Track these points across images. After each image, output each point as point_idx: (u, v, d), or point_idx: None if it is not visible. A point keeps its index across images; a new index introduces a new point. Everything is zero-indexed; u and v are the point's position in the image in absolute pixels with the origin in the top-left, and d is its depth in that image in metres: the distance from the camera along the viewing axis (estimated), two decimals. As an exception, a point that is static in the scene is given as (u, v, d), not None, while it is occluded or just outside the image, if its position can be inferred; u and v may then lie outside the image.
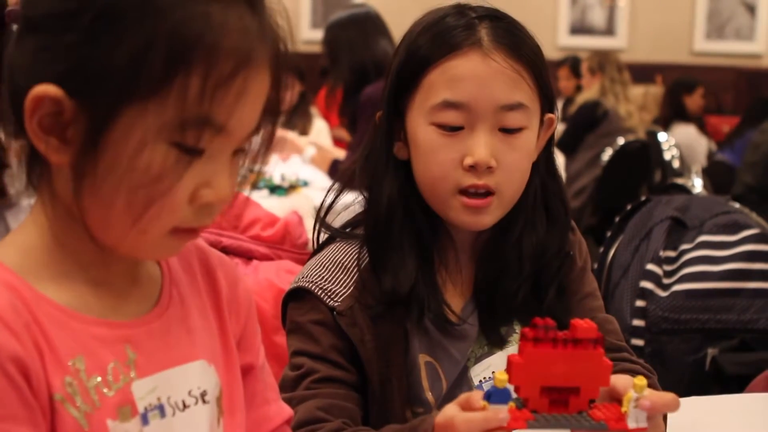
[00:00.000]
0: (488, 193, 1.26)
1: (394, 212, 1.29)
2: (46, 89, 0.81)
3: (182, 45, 0.80)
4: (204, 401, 0.93)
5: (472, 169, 1.24)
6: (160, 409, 0.89)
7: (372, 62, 3.49)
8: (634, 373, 1.27)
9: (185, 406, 0.91)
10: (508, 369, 0.97)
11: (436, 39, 1.26)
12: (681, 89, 6.58)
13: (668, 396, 1.03)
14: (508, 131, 1.26)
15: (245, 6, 0.85)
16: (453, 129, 1.25)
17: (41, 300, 0.85)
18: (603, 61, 5.80)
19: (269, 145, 0.91)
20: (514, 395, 0.98)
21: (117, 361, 0.87)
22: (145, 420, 0.87)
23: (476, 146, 1.24)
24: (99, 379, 0.85)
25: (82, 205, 0.84)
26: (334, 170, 3.60)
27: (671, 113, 6.55)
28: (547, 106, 1.31)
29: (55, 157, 0.83)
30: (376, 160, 1.32)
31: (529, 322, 1.29)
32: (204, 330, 0.97)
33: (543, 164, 1.35)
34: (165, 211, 0.84)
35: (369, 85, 3.45)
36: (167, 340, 0.92)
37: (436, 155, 1.26)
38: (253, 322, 1.05)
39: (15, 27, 0.87)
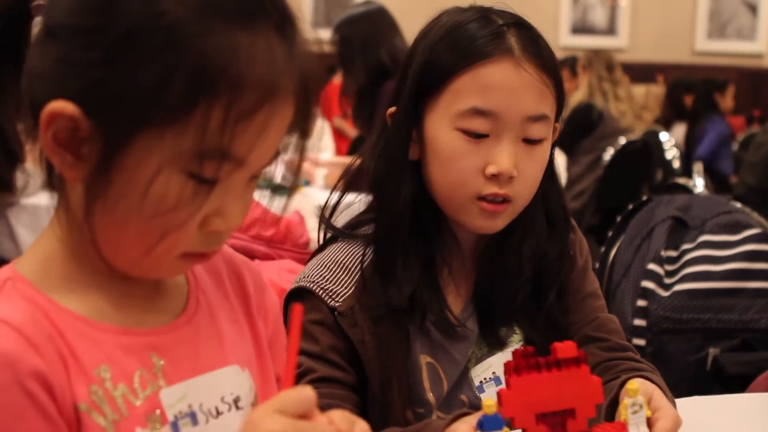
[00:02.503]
0: (505, 200, 1.26)
1: (408, 214, 1.29)
2: (64, 107, 0.79)
3: (206, 75, 0.78)
4: (237, 407, 0.92)
5: (494, 177, 1.24)
6: (192, 416, 0.88)
7: (389, 59, 3.40)
8: (638, 372, 1.28)
9: (218, 413, 0.90)
10: (499, 401, 0.96)
11: (466, 43, 1.25)
12: (681, 89, 6.58)
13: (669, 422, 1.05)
14: (530, 142, 1.26)
15: (275, 33, 0.82)
16: (478, 136, 1.24)
17: (62, 312, 0.84)
18: (592, 58, 5.81)
19: (298, 173, 0.89)
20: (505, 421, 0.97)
21: (143, 369, 0.86)
22: (175, 428, 0.86)
23: (501, 156, 1.23)
24: (125, 387, 0.84)
25: (92, 224, 0.82)
26: None
27: (671, 113, 6.55)
28: (558, 116, 1.31)
29: (69, 172, 0.82)
30: (391, 161, 1.30)
31: (528, 324, 1.29)
32: (235, 335, 0.96)
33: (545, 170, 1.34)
34: (175, 238, 0.83)
35: (386, 82, 3.36)
36: (196, 347, 0.91)
37: (459, 161, 1.25)
38: (281, 330, 1.04)
39: (37, 20, 0.85)
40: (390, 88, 3.60)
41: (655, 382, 1.18)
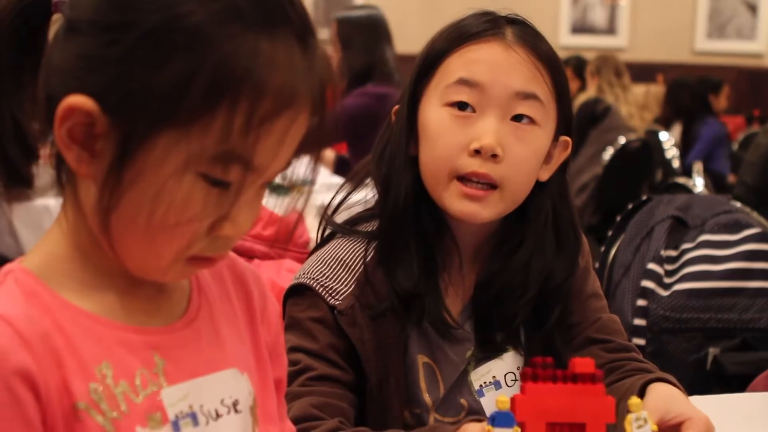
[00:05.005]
0: (490, 185, 1.24)
1: (410, 211, 1.29)
2: (82, 102, 0.79)
3: (228, 77, 0.78)
4: (236, 411, 0.91)
5: (477, 154, 1.23)
6: (193, 417, 0.87)
7: (374, 67, 3.62)
8: (642, 371, 1.28)
9: (218, 416, 0.90)
10: (512, 406, 0.98)
11: (458, 30, 1.27)
12: (680, 88, 6.57)
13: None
14: (518, 119, 1.25)
15: (296, 42, 0.82)
16: (463, 107, 1.24)
17: (66, 306, 0.83)
18: (601, 65, 5.83)
19: (313, 178, 0.89)
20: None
21: (144, 368, 0.85)
22: (176, 428, 0.86)
23: (485, 131, 1.23)
24: (126, 385, 0.84)
25: (104, 222, 0.82)
26: (340, 167, 3.63)
27: (671, 112, 6.55)
28: (564, 125, 1.30)
29: (81, 168, 0.81)
30: (392, 156, 1.30)
31: (524, 342, 1.30)
32: (234, 339, 0.95)
33: (556, 188, 1.33)
34: (184, 240, 0.82)
35: (365, 84, 3.58)
36: (197, 348, 0.91)
37: (444, 137, 1.25)
38: (281, 336, 1.04)
39: (56, 16, 0.85)
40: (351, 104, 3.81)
41: (673, 384, 1.19)
